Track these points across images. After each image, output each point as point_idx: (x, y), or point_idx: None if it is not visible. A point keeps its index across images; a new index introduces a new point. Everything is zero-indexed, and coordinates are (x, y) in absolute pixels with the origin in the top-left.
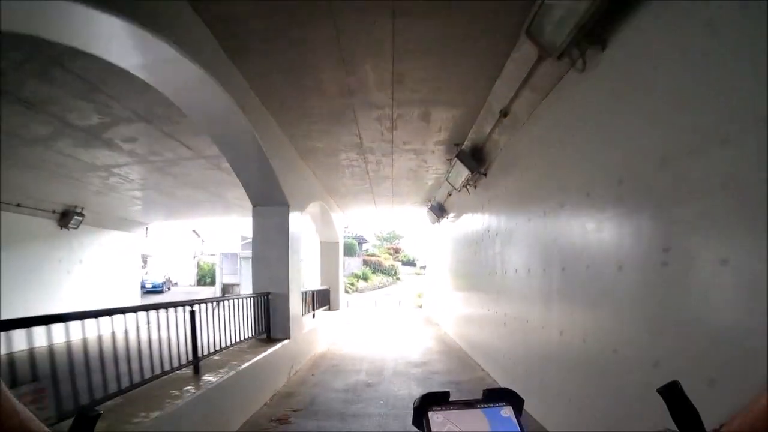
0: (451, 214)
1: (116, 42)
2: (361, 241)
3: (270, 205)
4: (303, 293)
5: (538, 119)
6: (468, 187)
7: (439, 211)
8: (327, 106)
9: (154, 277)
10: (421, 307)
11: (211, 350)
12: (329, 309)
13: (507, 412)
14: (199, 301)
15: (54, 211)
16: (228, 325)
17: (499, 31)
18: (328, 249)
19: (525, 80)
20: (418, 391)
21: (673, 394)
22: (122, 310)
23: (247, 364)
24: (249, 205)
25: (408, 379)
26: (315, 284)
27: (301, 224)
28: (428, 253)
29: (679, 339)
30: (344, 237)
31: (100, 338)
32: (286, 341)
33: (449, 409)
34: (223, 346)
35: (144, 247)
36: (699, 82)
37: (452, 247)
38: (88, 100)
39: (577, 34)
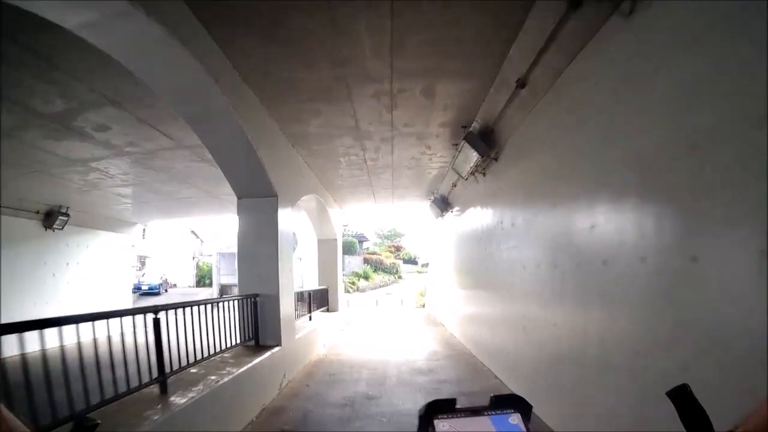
0: (456, 208)
1: None
2: (362, 239)
3: (256, 196)
4: (298, 294)
5: (564, 89)
6: (476, 174)
7: (443, 204)
8: (316, 79)
9: (151, 279)
10: (423, 306)
11: (189, 361)
12: (328, 310)
13: (515, 419)
14: (167, 307)
15: (38, 212)
16: (209, 331)
17: None
18: (325, 247)
19: (549, 39)
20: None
21: (682, 397)
22: (68, 320)
23: (227, 380)
24: None
25: (413, 390)
26: (314, 284)
27: (293, 219)
28: (431, 250)
29: (712, 340)
30: (344, 235)
31: (44, 353)
32: (276, 348)
33: (456, 417)
34: (206, 355)
35: (142, 248)
36: None
37: (457, 242)
38: (49, 82)
39: None
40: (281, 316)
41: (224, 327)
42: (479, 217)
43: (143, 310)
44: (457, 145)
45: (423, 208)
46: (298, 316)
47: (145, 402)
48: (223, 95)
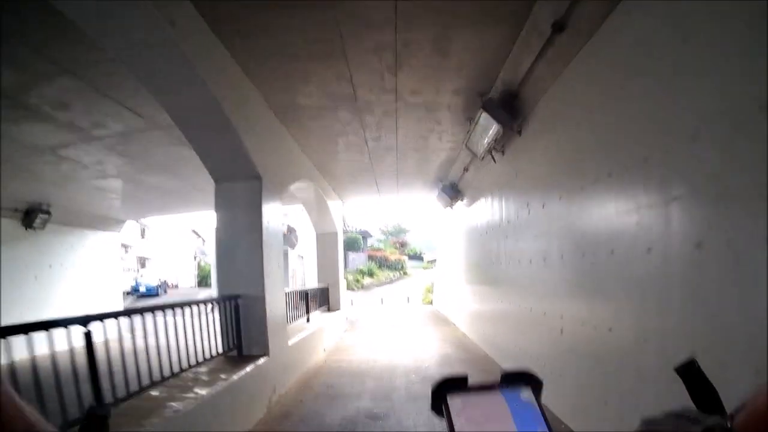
0: (468, 196)
1: None
2: (366, 235)
3: (235, 180)
4: (293, 293)
5: (616, 28)
6: (493, 152)
7: (453, 192)
8: (298, 27)
9: (149, 280)
10: (431, 302)
11: (144, 383)
12: (328, 310)
13: (527, 394)
14: (104, 316)
15: (17, 210)
16: (179, 341)
17: None
18: (325, 241)
19: None
20: (441, 426)
21: (691, 373)
22: None
23: (192, 407)
24: None
25: (426, 406)
26: (313, 282)
27: (281, 209)
28: (439, 243)
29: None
30: (347, 232)
31: None
32: (263, 359)
33: (468, 393)
34: (176, 371)
35: (142, 248)
36: None
37: (470, 234)
38: None
39: None
40: (268, 321)
41: (199, 335)
42: (497, 202)
43: (66, 322)
44: (471, 119)
45: (430, 199)
46: (294, 319)
47: None
48: (183, 45)
